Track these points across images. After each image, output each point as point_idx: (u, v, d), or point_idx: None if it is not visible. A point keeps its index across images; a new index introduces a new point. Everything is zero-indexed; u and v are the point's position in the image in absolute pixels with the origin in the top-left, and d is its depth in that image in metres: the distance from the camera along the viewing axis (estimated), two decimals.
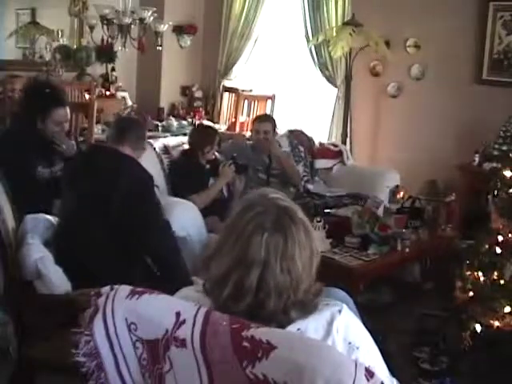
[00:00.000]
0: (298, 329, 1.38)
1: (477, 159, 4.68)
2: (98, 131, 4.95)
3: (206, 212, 3.73)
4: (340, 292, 1.85)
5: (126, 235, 2.54)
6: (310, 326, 1.39)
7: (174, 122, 5.86)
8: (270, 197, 1.44)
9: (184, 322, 1.36)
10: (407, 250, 3.51)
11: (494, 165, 4.20)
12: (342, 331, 1.41)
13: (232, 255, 1.38)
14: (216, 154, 4.18)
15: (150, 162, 4.10)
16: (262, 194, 1.46)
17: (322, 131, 5.78)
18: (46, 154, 3.29)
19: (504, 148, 4.51)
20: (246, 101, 6.13)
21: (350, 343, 1.41)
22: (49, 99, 3.28)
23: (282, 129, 5.11)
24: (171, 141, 4.46)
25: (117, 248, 2.54)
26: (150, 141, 4.39)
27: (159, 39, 5.14)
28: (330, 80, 5.72)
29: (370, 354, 1.44)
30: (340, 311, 1.44)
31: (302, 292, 1.39)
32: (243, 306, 1.36)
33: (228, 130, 6.00)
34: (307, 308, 1.41)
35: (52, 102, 3.26)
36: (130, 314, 1.42)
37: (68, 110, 3.36)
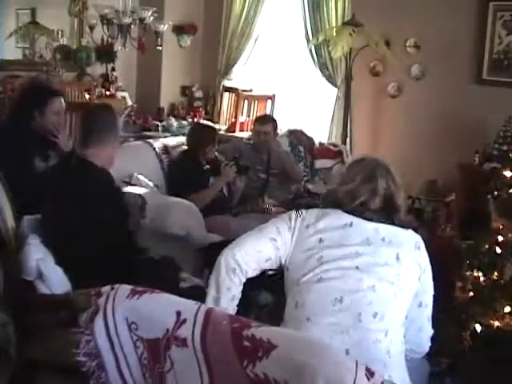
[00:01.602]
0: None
1: (477, 159, 4.67)
2: None
3: (206, 212, 3.72)
4: None
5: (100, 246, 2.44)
6: (410, 230, 1.99)
7: (174, 122, 5.86)
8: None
9: (184, 321, 1.36)
10: None
11: (494, 165, 4.20)
12: (422, 248, 2.01)
13: (361, 178, 1.99)
14: (216, 153, 4.18)
15: (150, 162, 4.12)
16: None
17: (322, 131, 5.78)
18: (41, 149, 3.30)
19: (504, 148, 4.50)
20: (246, 101, 6.11)
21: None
22: (44, 91, 3.42)
23: (282, 129, 5.11)
24: (171, 141, 4.46)
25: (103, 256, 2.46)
26: (150, 141, 4.40)
27: (159, 39, 5.13)
28: (330, 80, 5.72)
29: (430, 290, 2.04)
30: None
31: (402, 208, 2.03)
32: (375, 207, 1.95)
33: (228, 129, 6.00)
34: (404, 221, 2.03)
35: (48, 93, 3.37)
36: (130, 314, 1.42)
37: (63, 101, 3.43)
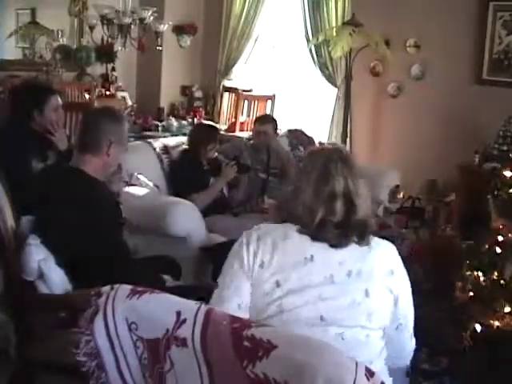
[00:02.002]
0: (370, 248, 1.72)
1: (477, 159, 4.68)
2: None
3: (206, 211, 3.73)
4: None
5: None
6: (383, 246, 1.77)
7: (174, 122, 5.86)
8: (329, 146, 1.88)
9: (184, 321, 1.36)
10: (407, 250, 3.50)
11: (494, 165, 4.20)
12: (397, 271, 1.75)
13: (312, 185, 1.72)
14: (216, 153, 4.18)
15: (150, 162, 4.12)
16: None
17: (322, 131, 5.78)
18: (40, 149, 3.30)
19: (504, 148, 4.51)
20: (246, 101, 6.12)
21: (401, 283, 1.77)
22: (41, 90, 3.43)
23: (282, 129, 5.11)
24: (171, 141, 4.46)
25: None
26: (150, 141, 4.40)
27: (159, 39, 5.14)
28: (330, 80, 5.73)
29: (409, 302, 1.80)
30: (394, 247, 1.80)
31: (366, 211, 1.74)
32: (337, 220, 1.69)
33: (228, 129, 6.00)
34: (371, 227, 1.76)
35: (45, 92, 3.37)
36: (130, 314, 1.42)
37: (59, 98, 3.43)
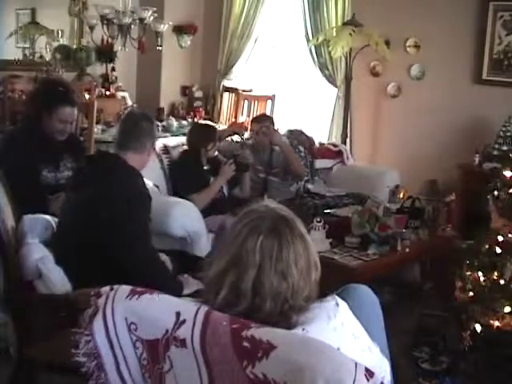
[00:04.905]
0: (303, 329, 1.40)
1: (477, 159, 4.68)
2: (97, 131, 4.95)
3: (206, 212, 3.73)
4: (366, 290, 1.88)
5: (106, 249, 2.42)
6: (315, 328, 1.40)
7: (174, 122, 5.86)
8: (271, 206, 1.50)
9: (184, 322, 1.36)
10: (407, 249, 3.50)
11: (494, 165, 4.20)
12: (347, 324, 1.46)
13: (227, 257, 1.42)
14: (216, 152, 4.18)
15: (150, 162, 4.11)
16: (265, 203, 1.52)
17: (322, 131, 5.78)
18: (53, 158, 3.27)
19: (504, 148, 4.52)
20: (246, 101, 6.13)
21: (353, 334, 1.46)
22: (60, 96, 3.29)
23: (282, 129, 5.12)
24: (171, 141, 4.46)
25: (102, 259, 2.45)
26: None
27: (159, 39, 5.14)
28: (330, 80, 5.73)
29: (366, 341, 1.51)
30: (338, 304, 1.48)
31: (302, 299, 1.42)
32: (239, 309, 1.39)
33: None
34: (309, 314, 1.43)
35: (62, 99, 3.25)
36: (129, 314, 1.42)
37: (75, 112, 3.35)
